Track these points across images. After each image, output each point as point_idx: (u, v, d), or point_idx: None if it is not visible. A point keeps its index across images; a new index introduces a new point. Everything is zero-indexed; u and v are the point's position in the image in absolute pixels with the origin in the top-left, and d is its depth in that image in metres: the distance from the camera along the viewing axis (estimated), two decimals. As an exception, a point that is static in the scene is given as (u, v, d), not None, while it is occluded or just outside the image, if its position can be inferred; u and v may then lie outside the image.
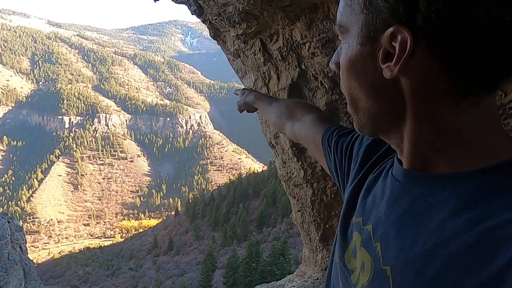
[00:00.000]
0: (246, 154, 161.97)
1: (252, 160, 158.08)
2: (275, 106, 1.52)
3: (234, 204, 69.92)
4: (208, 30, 2.80)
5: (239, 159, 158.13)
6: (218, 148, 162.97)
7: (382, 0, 0.54)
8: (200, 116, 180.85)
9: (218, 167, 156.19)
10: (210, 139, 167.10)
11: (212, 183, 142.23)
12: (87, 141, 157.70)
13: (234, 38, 2.50)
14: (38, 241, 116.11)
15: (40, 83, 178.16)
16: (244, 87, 2.00)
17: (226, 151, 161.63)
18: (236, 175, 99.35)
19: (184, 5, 2.75)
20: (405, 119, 0.58)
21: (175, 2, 2.71)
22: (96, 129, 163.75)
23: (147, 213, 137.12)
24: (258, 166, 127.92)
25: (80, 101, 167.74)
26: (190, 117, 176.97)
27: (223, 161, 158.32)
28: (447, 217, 0.52)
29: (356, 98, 0.64)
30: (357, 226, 0.71)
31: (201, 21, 2.71)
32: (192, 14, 2.77)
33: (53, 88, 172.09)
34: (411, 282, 0.52)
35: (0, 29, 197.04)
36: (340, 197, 1.01)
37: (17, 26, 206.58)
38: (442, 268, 0.48)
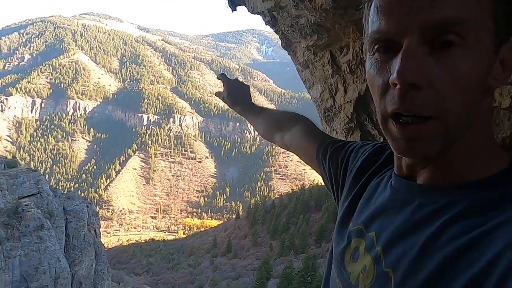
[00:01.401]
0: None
1: (317, 172, 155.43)
2: (263, 117, 1.55)
3: (295, 214, 69.39)
4: (280, 40, 2.89)
5: (304, 170, 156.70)
6: (284, 157, 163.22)
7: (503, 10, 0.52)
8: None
9: (282, 176, 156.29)
10: (276, 148, 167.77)
11: (274, 191, 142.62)
12: (161, 139, 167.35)
13: (305, 49, 2.54)
14: (110, 228, 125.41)
15: (126, 82, 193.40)
16: (228, 78, 1.73)
17: (291, 160, 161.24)
18: (299, 186, 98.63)
19: (259, 15, 2.87)
20: None
21: (251, 13, 2.84)
22: (171, 128, 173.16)
23: (209, 213, 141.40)
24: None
25: (159, 101, 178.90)
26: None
27: (287, 170, 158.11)
28: (446, 224, 0.56)
29: (474, 113, 0.59)
30: (357, 232, 0.75)
31: (274, 31, 2.80)
32: (266, 25, 2.87)
33: (136, 88, 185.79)
34: (410, 282, 0.56)
35: (97, 32, 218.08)
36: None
37: (111, 30, 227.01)
38: (439, 268, 0.52)
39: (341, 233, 0.82)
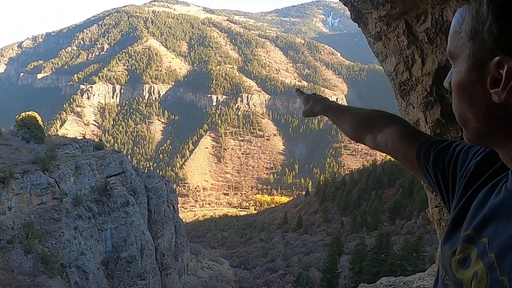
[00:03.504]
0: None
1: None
2: (348, 117, 1.53)
3: (366, 191, 67.61)
4: (349, 12, 2.74)
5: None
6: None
7: (487, 32, 0.60)
8: (337, 98, 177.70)
9: (352, 151, 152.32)
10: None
11: (344, 167, 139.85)
12: (230, 118, 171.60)
13: (377, 20, 2.39)
14: (186, 204, 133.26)
15: (195, 64, 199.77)
16: (305, 92, 1.88)
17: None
18: (371, 161, 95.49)
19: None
20: None
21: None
22: (239, 107, 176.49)
23: (279, 189, 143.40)
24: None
25: (227, 81, 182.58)
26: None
27: (358, 145, 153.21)
28: None
29: (466, 118, 0.69)
30: (468, 238, 0.74)
31: (343, 3, 2.66)
32: (334, -3, 2.74)
33: (205, 69, 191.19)
34: None
35: (166, 17, 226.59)
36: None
37: (179, 14, 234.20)
38: None
39: (451, 238, 0.81)
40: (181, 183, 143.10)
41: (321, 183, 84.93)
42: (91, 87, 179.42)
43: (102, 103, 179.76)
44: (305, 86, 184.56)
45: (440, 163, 0.97)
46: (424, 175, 1.06)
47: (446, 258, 0.79)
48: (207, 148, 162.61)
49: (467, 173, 0.86)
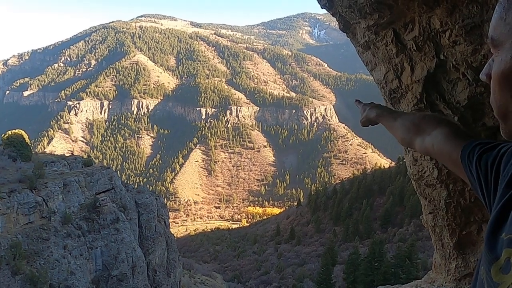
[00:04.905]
0: (372, 149, 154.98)
1: (379, 155, 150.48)
2: (400, 122, 1.51)
3: (358, 199, 67.81)
4: (337, 23, 2.78)
5: (364, 153, 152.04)
6: (343, 142, 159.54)
7: None
8: (325, 109, 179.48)
9: (342, 160, 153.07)
10: (335, 132, 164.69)
11: (335, 176, 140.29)
12: (220, 131, 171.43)
13: (365, 29, 2.43)
14: (178, 218, 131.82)
15: (183, 78, 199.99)
16: (363, 102, 1.93)
17: (350, 144, 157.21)
18: (361, 170, 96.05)
19: (314, -1, 2.78)
20: None
21: (305, -3, 2.76)
22: (228, 120, 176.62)
23: (271, 201, 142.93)
24: (384, 162, 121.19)
25: (215, 94, 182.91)
26: (315, 110, 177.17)
27: (347, 155, 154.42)
28: None
29: (507, 110, 0.67)
30: (509, 242, 0.70)
31: (331, 14, 2.69)
32: (322, 8, 2.77)
33: (193, 83, 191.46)
34: None
35: (153, 32, 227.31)
36: (481, 202, 1.04)
37: (167, 29, 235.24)
38: None
39: (491, 242, 0.77)
40: (172, 198, 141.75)
41: (313, 193, 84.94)
42: (79, 103, 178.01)
43: (90, 119, 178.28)
44: (294, 97, 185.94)
45: (483, 164, 0.94)
46: (468, 177, 1.03)
47: (486, 263, 0.76)
48: (197, 161, 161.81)
49: (508, 174, 0.83)
